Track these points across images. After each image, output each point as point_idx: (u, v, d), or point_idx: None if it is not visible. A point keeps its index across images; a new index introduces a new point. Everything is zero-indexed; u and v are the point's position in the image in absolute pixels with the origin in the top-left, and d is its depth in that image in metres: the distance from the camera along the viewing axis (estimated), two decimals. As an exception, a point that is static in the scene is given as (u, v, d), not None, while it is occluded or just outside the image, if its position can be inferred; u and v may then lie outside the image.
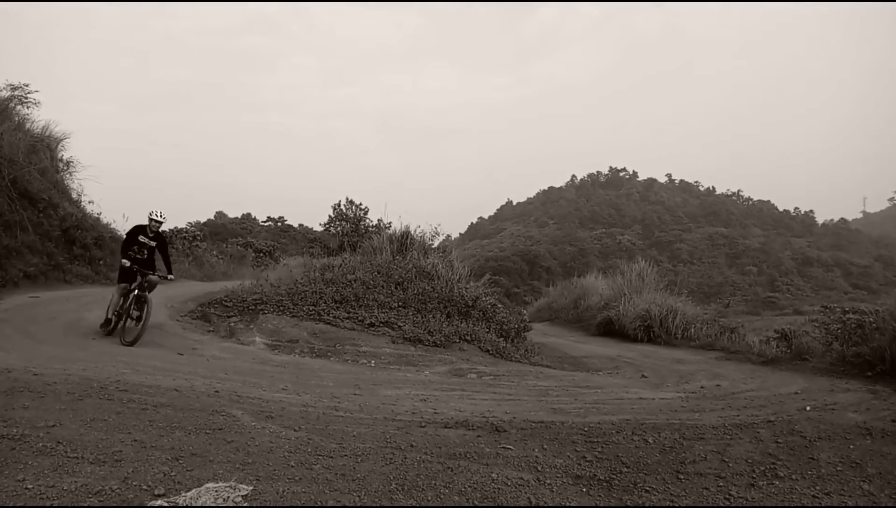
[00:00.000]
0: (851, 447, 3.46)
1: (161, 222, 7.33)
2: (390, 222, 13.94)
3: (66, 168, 14.56)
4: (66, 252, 12.01)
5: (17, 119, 13.27)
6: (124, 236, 7.56)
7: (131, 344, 6.68)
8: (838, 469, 3.15)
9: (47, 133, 13.99)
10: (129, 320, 6.99)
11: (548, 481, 2.91)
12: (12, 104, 13.48)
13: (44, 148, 13.51)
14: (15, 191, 11.15)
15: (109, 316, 7.13)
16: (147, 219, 7.29)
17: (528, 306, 20.16)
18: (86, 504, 2.29)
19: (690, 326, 11.77)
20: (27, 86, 13.95)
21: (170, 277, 7.55)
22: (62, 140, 14.43)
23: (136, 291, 7.05)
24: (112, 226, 14.68)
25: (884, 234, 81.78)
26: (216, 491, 2.47)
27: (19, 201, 11.20)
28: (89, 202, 14.53)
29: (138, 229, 7.34)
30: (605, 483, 2.92)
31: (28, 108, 13.85)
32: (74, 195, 14.36)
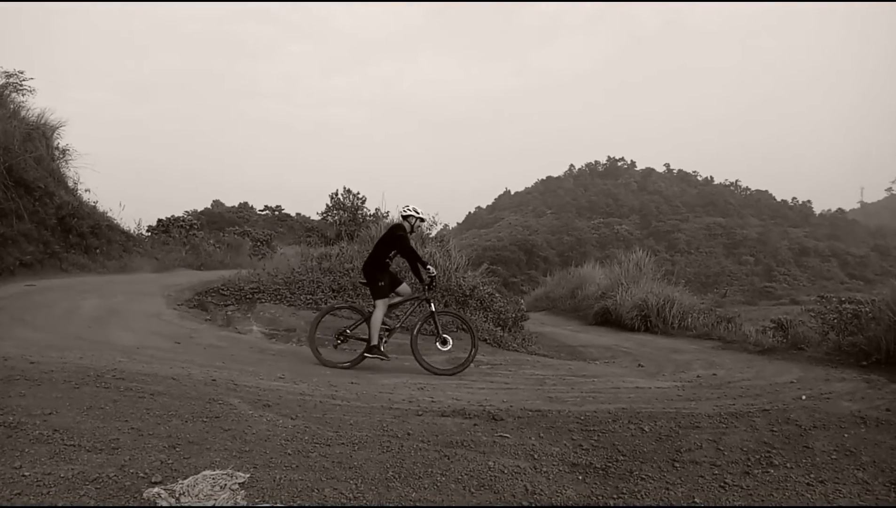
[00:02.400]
0: (846, 435, 3.48)
1: (424, 221, 6.38)
2: (388, 212, 13.91)
3: (61, 156, 14.50)
4: (63, 241, 11.98)
5: (12, 107, 13.18)
6: (388, 237, 6.18)
7: (452, 373, 5.84)
8: (833, 457, 3.17)
9: (43, 121, 13.90)
10: (416, 341, 6.06)
11: (544, 469, 2.92)
12: (7, 92, 13.38)
13: (39, 136, 13.42)
14: (10, 179, 11.09)
15: (375, 342, 5.94)
16: (402, 217, 6.27)
17: (525, 296, 20.17)
18: (83, 492, 2.29)
19: (687, 315, 11.80)
20: (22, 73, 13.83)
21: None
22: (58, 128, 14.37)
23: (431, 305, 6.14)
24: (109, 215, 14.65)
25: (881, 224, 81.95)
26: (213, 479, 2.48)
27: (15, 189, 11.14)
28: (86, 191, 14.49)
29: (403, 231, 6.17)
30: (601, 471, 2.94)
31: (23, 95, 13.76)
32: (70, 184, 14.30)
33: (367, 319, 6.11)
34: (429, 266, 6.12)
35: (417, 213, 6.24)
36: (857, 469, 3.03)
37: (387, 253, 6.09)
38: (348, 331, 6.28)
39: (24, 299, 8.14)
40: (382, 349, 6.01)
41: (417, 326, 6.19)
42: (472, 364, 6.14)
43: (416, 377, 5.69)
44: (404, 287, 6.31)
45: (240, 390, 4.15)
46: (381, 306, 6.01)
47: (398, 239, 6.07)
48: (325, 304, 8.63)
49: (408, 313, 6.52)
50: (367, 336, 6.07)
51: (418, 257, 6.12)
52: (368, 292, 6.28)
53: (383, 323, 6.10)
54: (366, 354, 6.00)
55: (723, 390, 5.32)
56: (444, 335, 6.09)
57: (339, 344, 6.29)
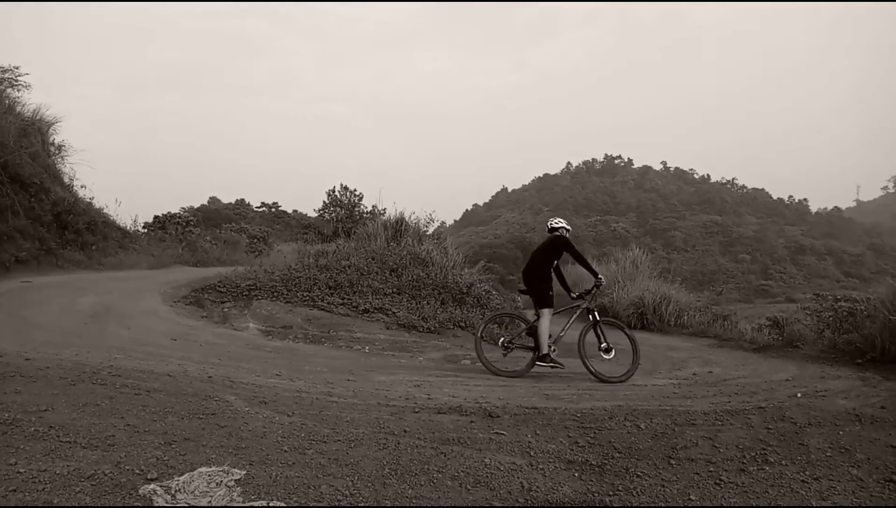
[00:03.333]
0: (841, 433, 3.50)
1: (570, 231, 6.40)
2: (385, 209, 13.90)
3: (57, 152, 14.45)
4: (59, 237, 11.94)
5: (7, 102, 13.10)
6: (555, 245, 6.21)
7: (620, 381, 5.66)
8: (828, 454, 3.18)
9: (38, 116, 13.84)
10: (583, 347, 5.88)
11: (540, 466, 2.93)
12: (2, 87, 13.30)
13: (35, 132, 13.37)
14: (6, 175, 11.05)
15: (546, 350, 5.90)
16: (551, 229, 6.31)
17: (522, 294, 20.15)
18: (78, 489, 2.28)
19: (683, 313, 11.79)
20: (17, 69, 13.74)
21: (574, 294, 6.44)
22: (53, 124, 14.30)
23: (595, 314, 6.08)
24: (105, 211, 14.60)
25: (877, 222, 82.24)
26: (209, 476, 2.47)
27: (10, 184, 11.10)
28: (81, 187, 14.46)
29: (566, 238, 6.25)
30: (597, 468, 2.94)
31: (18, 91, 13.67)
32: (66, 180, 14.25)
33: (532, 328, 6.12)
34: (599, 275, 6.19)
35: (565, 225, 6.35)
36: (852, 466, 3.05)
37: (552, 261, 6.14)
38: (514, 340, 6.33)
39: (19, 295, 8.10)
40: (552, 356, 5.96)
41: (584, 332, 6.05)
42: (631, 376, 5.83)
43: (413, 374, 5.69)
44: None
45: (236, 387, 4.15)
46: (547, 314, 6.00)
47: (568, 245, 6.15)
48: (323, 301, 8.63)
49: (570, 321, 6.34)
50: (531, 344, 6.10)
51: (587, 263, 6.19)
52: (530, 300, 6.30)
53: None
54: (538, 362, 5.95)
55: (718, 387, 5.33)
56: (608, 344, 5.99)
57: (506, 353, 6.27)
